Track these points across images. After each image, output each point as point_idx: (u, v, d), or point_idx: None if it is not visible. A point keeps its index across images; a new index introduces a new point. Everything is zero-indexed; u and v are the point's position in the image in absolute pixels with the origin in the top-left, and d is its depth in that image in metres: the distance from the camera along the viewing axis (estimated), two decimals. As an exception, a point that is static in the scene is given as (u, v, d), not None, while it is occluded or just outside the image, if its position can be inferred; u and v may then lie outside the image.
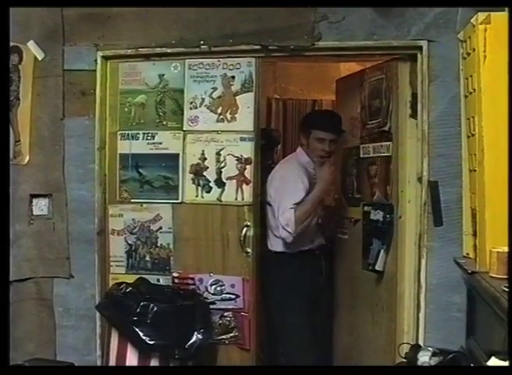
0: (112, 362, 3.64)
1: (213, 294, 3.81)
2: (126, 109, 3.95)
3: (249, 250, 3.74)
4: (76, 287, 3.97)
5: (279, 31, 3.64)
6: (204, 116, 3.82)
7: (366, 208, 4.00)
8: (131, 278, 3.88)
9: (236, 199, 3.77)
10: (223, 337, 3.83)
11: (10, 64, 3.75)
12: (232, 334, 3.82)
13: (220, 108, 3.80)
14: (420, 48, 3.49)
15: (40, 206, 3.97)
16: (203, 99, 3.82)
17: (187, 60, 3.84)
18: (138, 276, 3.90)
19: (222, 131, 3.80)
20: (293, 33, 3.62)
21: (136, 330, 3.47)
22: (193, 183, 3.85)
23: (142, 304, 3.49)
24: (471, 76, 3.13)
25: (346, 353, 4.28)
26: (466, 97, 3.31)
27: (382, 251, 3.80)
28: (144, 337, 3.46)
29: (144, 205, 3.94)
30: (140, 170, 3.93)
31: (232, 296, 3.79)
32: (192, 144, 3.84)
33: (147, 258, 3.94)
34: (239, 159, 3.77)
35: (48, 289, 3.98)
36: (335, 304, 4.38)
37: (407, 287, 3.69)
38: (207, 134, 3.82)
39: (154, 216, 3.92)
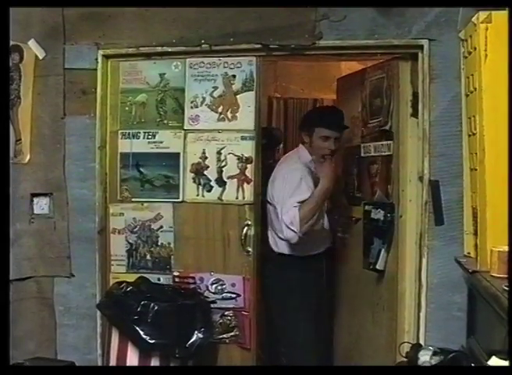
0: (113, 361, 3.64)
1: (214, 293, 3.81)
2: (126, 108, 3.95)
3: (250, 249, 3.74)
4: (76, 286, 3.97)
5: (279, 30, 3.64)
6: (205, 115, 3.82)
7: (367, 207, 3.99)
8: (132, 277, 3.87)
9: (236, 198, 3.77)
10: (224, 336, 3.83)
11: (11, 63, 3.75)
12: (232, 333, 3.82)
13: (221, 107, 3.80)
14: (421, 47, 3.48)
15: (41, 205, 3.96)
16: (204, 98, 3.82)
17: (188, 59, 3.84)
18: (139, 275, 3.90)
19: (222, 130, 3.79)
20: (294, 32, 3.62)
21: (137, 329, 3.46)
22: (194, 182, 3.85)
23: (143, 303, 3.49)
24: (472, 75, 3.13)
25: (346, 352, 4.28)
26: (467, 96, 3.31)
27: (383, 250, 3.80)
28: (144, 336, 3.45)
29: (145, 204, 3.94)
30: (141, 169, 3.93)
31: (233, 295, 3.78)
32: (193, 143, 3.84)
33: (148, 257, 3.94)
34: (240, 158, 3.77)
35: (48, 288, 3.98)
36: (335, 303, 4.38)
37: (407, 287, 3.69)
38: (208, 133, 3.81)
39: (154, 215, 3.92)
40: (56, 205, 3.96)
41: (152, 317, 3.47)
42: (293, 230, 3.55)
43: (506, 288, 2.48)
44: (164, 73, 3.88)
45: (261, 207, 3.85)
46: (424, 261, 3.52)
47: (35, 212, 3.96)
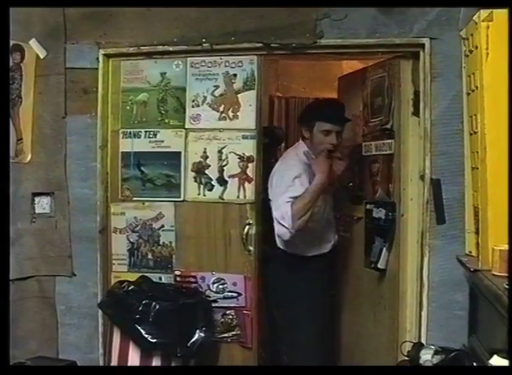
0: (114, 361, 3.65)
1: (215, 293, 3.81)
2: (127, 107, 3.95)
3: (251, 248, 3.73)
4: (78, 285, 3.97)
5: (280, 29, 3.63)
6: (206, 114, 3.82)
7: (368, 206, 3.99)
8: (133, 276, 3.88)
9: (238, 197, 3.77)
10: (225, 335, 3.83)
11: (12, 62, 3.76)
12: (234, 332, 3.82)
13: (222, 106, 3.80)
14: (422, 46, 3.48)
15: (43, 204, 3.97)
16: (205, 97, 3.82)
17: (189, 58, 3.84)
18: (140, 274, 3.90)
19: (223, 129, 3.79)
20: (295, 31, 3.61)
21: (139, 328, 3.47)
22: (195, 181, 3.85)
23: (144, 302, 3.50)
24: (474, 73, 3.12)
25: (348, 351, 4.28)
26: (468, 94, 3.31)
27: (385, 249, 3.80)
28: (146, 336, 3.46)
29: (146, 204, 3.94)
30: (142, 168, 3.93)
31: (234, 294, 3.78)
32: (194, 142, 3.84)
33: (149, 256, 3.94)
34: (241, 157, 3.77)
35: (50, 287, 3.98)
36: (337, 302, 4.37)
37: (409, 285, 3.69)
38: (209, 132, 3.81)
39: (156, 215, 3.92)
40: (57, 204, 3.96)
41: (154, 316, 3.47)
42: (284, 226, 3.46)
43: (508, 287, 2.48)
44: (165, 72, 3.88)
45: (263, 206, 3.84)
46: (425, 260, 3.51)
47: (36, 211, 3.97)
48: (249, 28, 3.67)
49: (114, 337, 3.67)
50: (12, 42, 3.70)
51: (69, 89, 3.92)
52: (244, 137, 3.76)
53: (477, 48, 3.03)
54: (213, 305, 3.77)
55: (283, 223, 3.46)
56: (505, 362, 2.23)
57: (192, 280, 3.86)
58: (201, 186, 3.84)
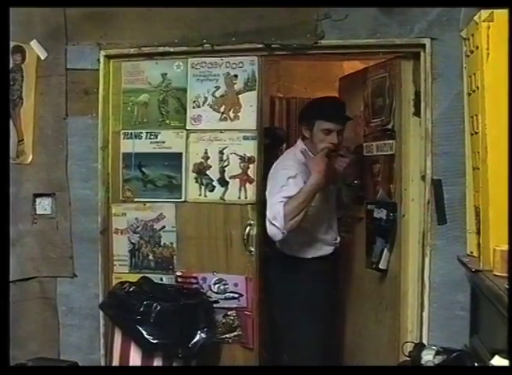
0: (116, 361, 3.65)
1: (216, 293, 3.81)
2: (128, 108, 3.95)
3: (252, 249, 3.73)
4: (79, 286, 3.98)
5: (281, 30, 3.64)
6: (207, 114, 3.82)
7: (369, 206, 3.99)
8: (134, 277, 3.88)
9: (239, 198, 3.77)
10: (226, 336, 3.83)
11: (13, 63, 3.77)
12: (235, 333, 3.82)
13: (223, 107, 3.80)
14: (423, 46, 3.48)
15: (44, 205, 3.97)
16: (206, 98, 3.82)
17: (190, 59, 3.84)
18: (141, 275, 3.90)
19: (224, 130, 3.79)
20: (296, 31, 3.62)
21: (140, 329, 3.47)
22: (197, 182, 3.85)
23: (145, 303, 3.50)
24: (474, 74, 3.12)
25: (349, 352, 4.27)
26: (469, 95, 3.31)
27: (386, 249, 3.80)
28: (147, 336, 3.46)
29: (147, 204, 3.94)
30: (143, 169, 3.93)
31: (236, 295, 3.78)
32: (195, 143, 3.84)
33: (151, 257, 3.95)
34: (242, 158, 3.77)
35: (51, 288, 3.99)
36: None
37: (410, 286, 3.69)
38: (210, 133, 3.81)
39: (157, 215, 3.92)
40: (59, 205, 3.97)
41: (155, 317, 3.47)
42: (276, 226, 3.35)
43: (508, 287, 2.48)
44: (166, 73, 3.88)
45: (264, 206, 3.83)
46: (426, 260, 3.51)
47: (38, 212, 3.97)
48: (250, 29, 3.67)
49: (115, 338, 3.67)
50: (13, 43, 3.71)
51: (70, 90, 3.93)
52: (245, 138, 3.75)
53: (478, 48, 3.03)
54: (214, 305, 3.77)
55: (275, 223, 3.34)
56: (506, 363, 2.23)
57: (193, 280, 3.86)
58: (202, 187, 3.84)
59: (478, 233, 3.17)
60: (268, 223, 3.40)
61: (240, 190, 3.77)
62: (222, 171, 3.80)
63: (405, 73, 3.69)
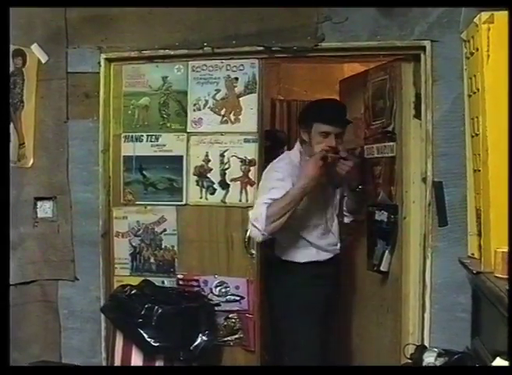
0: (117, 365, 3.65)
1: (218, 296, 3.81)
2: (129, 112, 3.96)
3: (253, 251, 3.73)
4: (80, 289, 3.97)
5: (281, 32, 3.64)
6: (208, 117, 3.82)
7: (370, 208, 3.98)
8: (136, 280, 3.87)
9: (240, 201, 3.77)
10: (228, 338, 3.83)
11: (14, 67, 3.77)
12: (237, 336, 3.82)
13: (224, 109, 3.80)
14: (423, 48, 3.48)
15: (45, 209, 3.97)
16: (206, 101, 3.82)
17: (190, 62, 3.84)
18: (143, 278, 3.90)
19: (225, 133, 3.79)
20: (296, 34, 3.62)
21: (141, 332, 3.47)
22: (197, 185, 3.85)
23: (147, 306, 3.49)
24: (475, 75, 3.12)
25: (350, 354, 4.27)
26: (470, 97, 3.30)
27: (387, 251, 3.79)
28: (148, 339, 3.46)
29: (148, 207, 3.94)
30: (144, 172, 3.94)
31: (237, 298, 3.78)
32: (196, 145, 3.84)
33: (152, 260, 3.95)
34: (243, 161, 3.77)
35: (52, 291, 3.98)
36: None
37: (411, 288, 3.68)
38: (210, 136, 3.81)
39: (158, 218, 3.92)
40: (60, 208, 3.97)
41: (156, 320, 3.47)
42: (256, 228, 3.34)
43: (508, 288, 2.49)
44: (166, 76, 3.89)
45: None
46: (428, 262, 3.51)
47: (39, 215, 3.97)
48: (250, 31, 3.67)
49: (117, 341, 3.67)
50: (13, 47, 3.71)
51: (71, 93, 3.93)
52: (246, 141, 3.76)
53: (478, 50, 3.03)
54: (216, 308, 3.77)
55: (256, 225, 3.33)
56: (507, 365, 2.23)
57: (194, 283, 3.86)
58: (203, 189, 3.84)
59: (479, 235, 3.17)
60: (250, 224, 3.41)
61: (241, 192, 3.77)
62: (223, 174, 3.80)
63: (405, 75, 3.69)
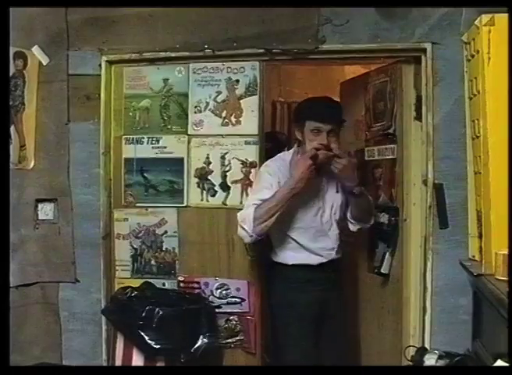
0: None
1: (218, 298, 3.80)
2: (130, 114, 3.96)
3: (254, 253, 3.73)
4: (81, 291, 3.97)
5: (282, 34, 3.64)
6: (209, 119, 3.82)
7: (371, 210, 3.98)
8: (136, 282, 3.87)
9: (241, 203, 3.75)
10: (229, 340, 3.83)
11: (15, 69, 3.76)
12: (237, 338, 3.82)
13: (224, 111, 3.80)
14: (424, 51, 3.48)
15: (46, 211, 3.97)
16: (207, 103, 3.82)
17: (191, 64, 3.84)
18: (143, 280, 3.90)
19: (226, 135, 3.79)
20: (297, 36, 3.62)
21: (142, 334, 3.46)
22: (198, 187, 3.85)
23: (147, 308, 3.49)
24: (476, 78, 3.13)
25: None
26: (470, 99, 3.31)
27: (388, 254, 3.79)
28: (149, 341, 3.45)
29: (149, 209, 3.94)
30: (145, 174, 3.94)
31: (238, 300, 3.78)
32: (197, 148, 3.84)
33: (153, 262, 3.94)
34: (244, 163, 3.77)
35: (53, 293, 3.98)
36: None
37: (412, 290, 3.69)
38: (211, 138, 3.81)
39: (159, 220, 3.92)
40: (61, 210, 3.97)
41: (157, 322, 3.47)
42: (244, 229, 3.30)
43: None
44: (167, 78, 3.89)
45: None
46: (428, 264, 3.51)
47: (40, 217, 3.97)
48: (251, 34, 3.67)
49: (117, 343, 3.67)
50: (14, 49, 3.71)
51: (72, 95, 3.93)
52: (247, 143, 3.76)
53: (478, 52, 3.04)
54: (216, 310, 3.76)
55: (244, 226, 3.30)
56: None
57: (195, 285, 3.85)
58: (204, 191, 3.84)
59: (480, 237, 3.18)
60: (238, 225, 3.38)
61: (242, 194, 3.76)
62: (224, 176, 3.80)
63: (406, 77, 3.69)
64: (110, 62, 3.92)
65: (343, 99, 4.52)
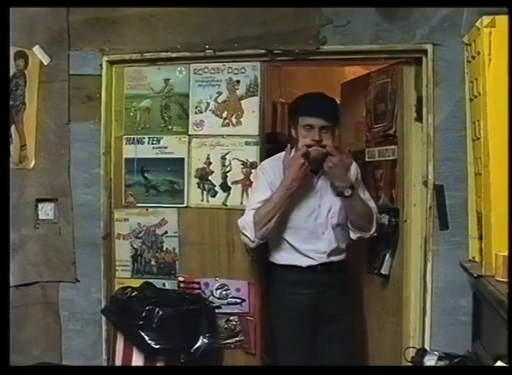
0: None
1: (218, 299, 3.80)
2: (131, 114, 3.96)
3: (254, 254, 3.72)
4: (81, 291, 3.97)
5: (283, 35, 3.64)
6: (210, 120, 3.82)
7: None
8: (137, 282, 3.88)
9: (241, 203, 3.75)
10: (229, 341, 3.83)
11: (16, 69, 3.76)
12: (237, 338, 3.82)
13: (225, 112, 3.80)
14: (425, 52, 3.48)
15: (46, 211, 3.97)
16: (208, 103, 3.83)
17: (192, 64, 3.84)
18: (144, 280, 3.90)
19: (227, 135, 3.79)
20: (298, 37, 3.62)
21: (142, 334, 3.47)
22: (199, 187, 3.85)
23: (147, 308, 3.49)
24: (476, 79, 3.13)
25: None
26: (471, 100, 3.31)
27: (388, 255, 3.79)
28: (149, 342, 3.46)
29: (150, 210, 3.94)
30: (146, 175, 3.94)
31: (238, 300, 3.78)
32: (197, 148, 3.85)
33: (153, 262, 3.94)
34: (244, 163, 3.77)
35: (53, 293, 3.98)
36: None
37: (412, 291, 3.68)
38: (212, 139, 3.81)
39: (159, 221, 3.92)
40: (61, 210, 3.97)
41: (157, 322, 3.47)
42: (246, 236, 3.33)
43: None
44: (168, 79, 3.89)
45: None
46: (428, 265, 3.51)
47: (40, 217, 3.97)
48: (252, 34, 3.67)
49: (117, 343, 3.68)
50: (16, 49, 3.71)
51: (73, 95, 3.93)
52: (247, 144, 3.76)
53: (479, 53, 3.04)
54: (216, 311, 3.77)
55: (245, 233, 3.33)
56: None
57: (195, 286, 3.86)
58: (205, 192, 3.84)
59: (480, 238, 3.18)
60: (240, 232, 3.39)
61: (243, 195, 3.76)
62: (225, 176, 3.80)
63: (407, 78, 3.68)
64: (111, 62, 3.92)
65: (344, 100, 4.52)
